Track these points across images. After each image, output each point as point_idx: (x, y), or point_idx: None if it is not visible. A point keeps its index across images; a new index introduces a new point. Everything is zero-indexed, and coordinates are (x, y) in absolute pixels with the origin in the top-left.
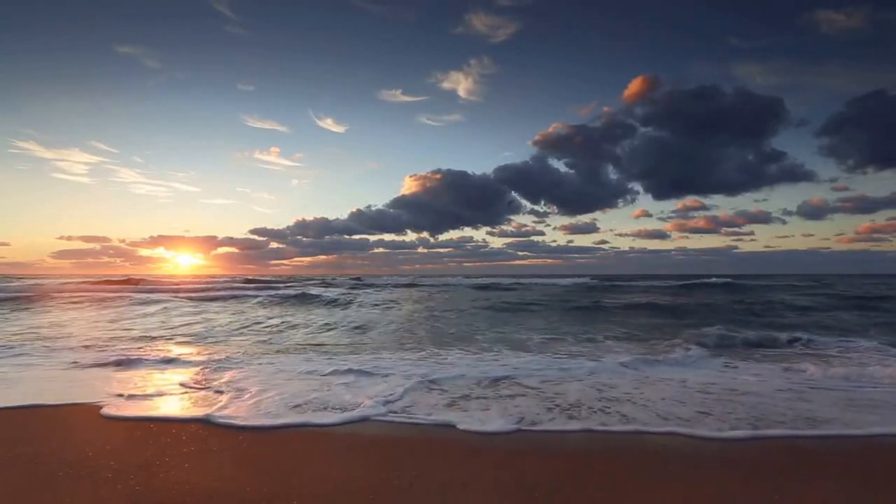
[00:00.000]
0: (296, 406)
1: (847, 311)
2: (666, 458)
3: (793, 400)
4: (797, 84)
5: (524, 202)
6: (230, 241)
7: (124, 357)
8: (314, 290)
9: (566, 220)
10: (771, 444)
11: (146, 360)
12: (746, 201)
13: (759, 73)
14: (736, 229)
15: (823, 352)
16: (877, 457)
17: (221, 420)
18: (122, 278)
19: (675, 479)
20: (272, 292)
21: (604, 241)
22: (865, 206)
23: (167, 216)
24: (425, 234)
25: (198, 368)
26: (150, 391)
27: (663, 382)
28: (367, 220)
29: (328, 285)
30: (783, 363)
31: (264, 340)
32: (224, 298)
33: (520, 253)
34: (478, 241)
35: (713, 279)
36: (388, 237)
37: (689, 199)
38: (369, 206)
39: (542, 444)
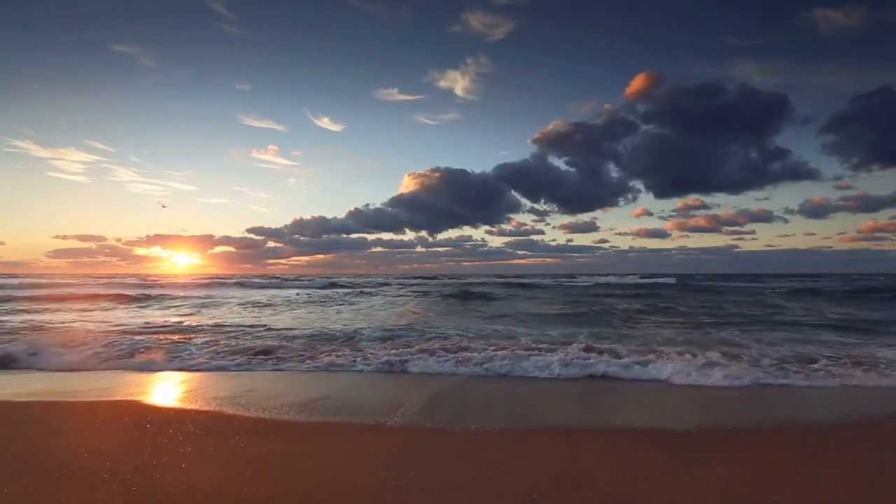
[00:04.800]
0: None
1: None
2: (667, 454)
3: None
4: (796, 83)
5: (524, 201)
6: (227, 241)
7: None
8: None
9: (566, 219)
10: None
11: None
12: (748, 200)
13: (756, 73)
14: (737, 228)
15: None
16: None
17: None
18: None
19: (673, 476)
20: None
21: (604, 241)
22: (868, 204)
23: (164, 215)
24: (424, 234)
25: None
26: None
27: None
28: (365, 219)
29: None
30: None
31: None
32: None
33: (519, 252)
34: (476, 241)
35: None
36: (386, 236)
37: (691, 198)
38: (367, 205)
39: (541, 444)
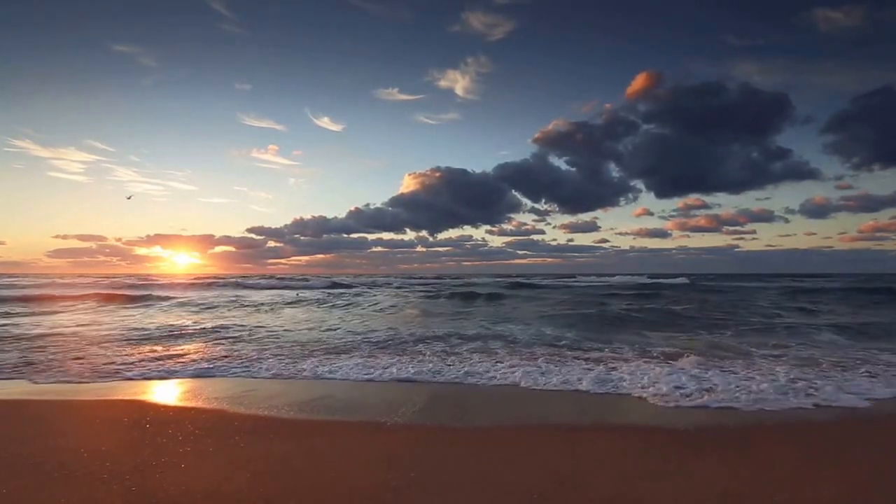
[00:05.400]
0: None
1: None
2: (667, 454)
3: None
4: (796, 82)
5: (525, 200)
6: (227, 240)
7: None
8: None
9: (567, 219)
10: None
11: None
12: (749, 200)
13: (757, 72)
14: (738, 228)
15: None
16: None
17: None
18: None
19: (673, 476)
20: None
21: (604, 240)
22: (869, 204)
23: (164, 215)
24: (424, 233)
25: None
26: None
27: None
28: (366, 219)
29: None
30: None
31: None
32: None
33: (520, 252)
34: (477, 240)
35: None
36: (386, 236)
37: (692, 198)
38: (368, 205)
39: (541, 444)
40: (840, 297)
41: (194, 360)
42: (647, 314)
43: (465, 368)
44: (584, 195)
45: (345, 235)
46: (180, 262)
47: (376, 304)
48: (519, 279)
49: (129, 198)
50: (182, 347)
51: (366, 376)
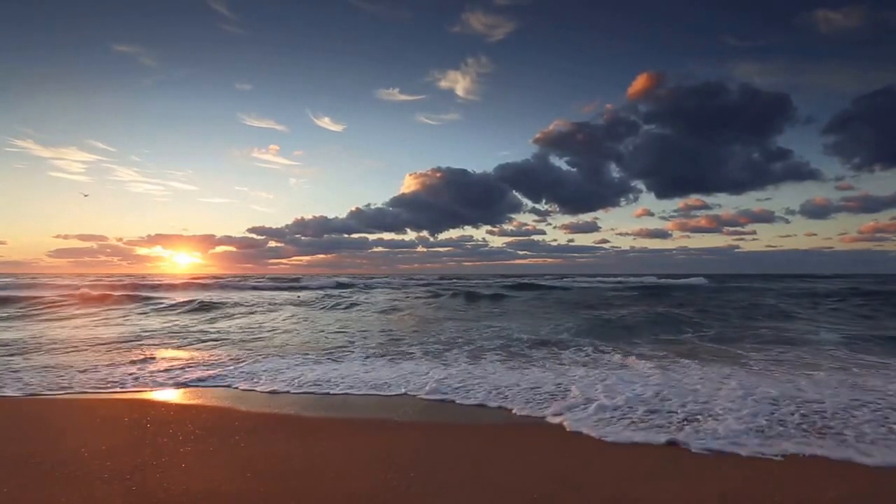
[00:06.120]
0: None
1: None
2: (667, 455)
3: None
4: (797, 83)
5: (525, 201)
6: (228, 240)
7: None
8: None
9: (567, 220)
10: None
11: None
12: (749, 200)
13: (757, 73)
14: (738, 228)
15: None
16: None
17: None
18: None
19: (673, 476)
20: None
21: (604, 241)
22: (870, 205)
23: (165, 215)
24: (425, 234)
25: None
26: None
27: None
28: (367, 219)
29: None
30: None
31: None
32: None
33: (520, 252)
34: (478, 241)
35: None
36: (387, 236)
37: (692, 199)
38: (368, 205)
39: (541, 444)
40: (852, 299)
41: (193, 363)
42: (658, 316)
43: (457, 373)
44: (585, 195)
45: (346, 235)
46: (181, 262)
47: (377, 305)
48: (530, 280)
49: (85, 195)
50: (181, 349)
51: (361, 385)
